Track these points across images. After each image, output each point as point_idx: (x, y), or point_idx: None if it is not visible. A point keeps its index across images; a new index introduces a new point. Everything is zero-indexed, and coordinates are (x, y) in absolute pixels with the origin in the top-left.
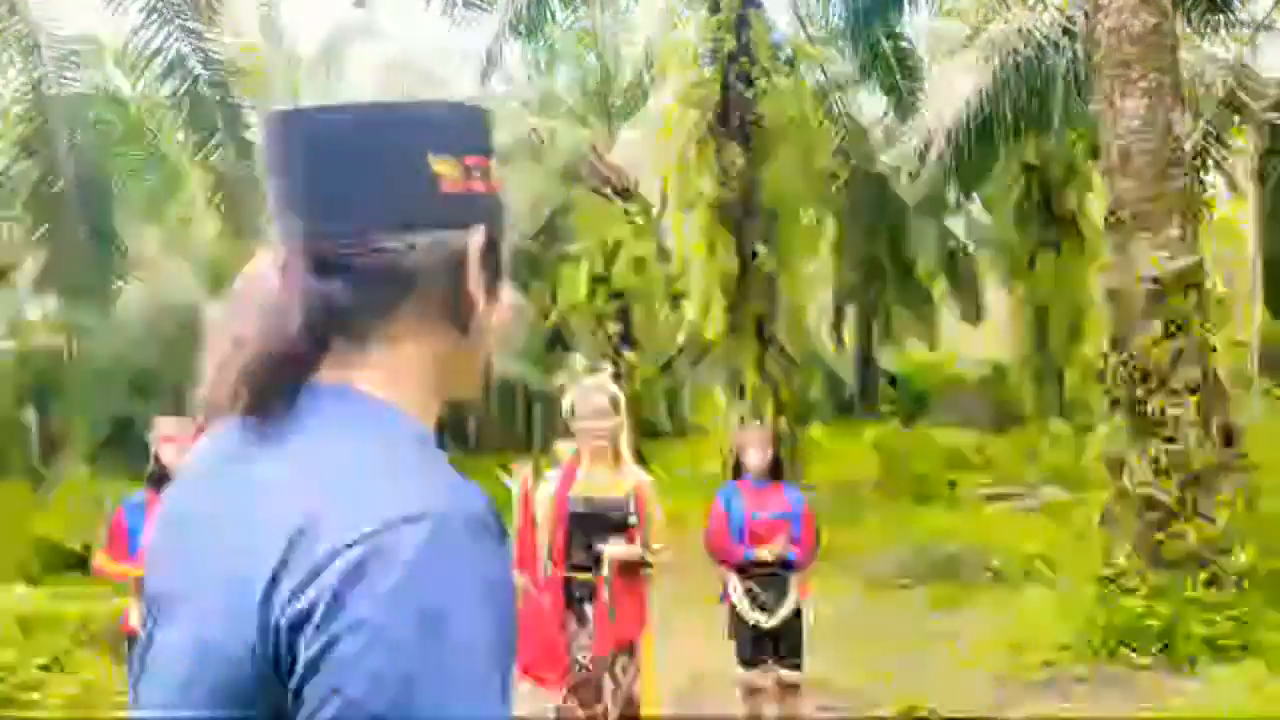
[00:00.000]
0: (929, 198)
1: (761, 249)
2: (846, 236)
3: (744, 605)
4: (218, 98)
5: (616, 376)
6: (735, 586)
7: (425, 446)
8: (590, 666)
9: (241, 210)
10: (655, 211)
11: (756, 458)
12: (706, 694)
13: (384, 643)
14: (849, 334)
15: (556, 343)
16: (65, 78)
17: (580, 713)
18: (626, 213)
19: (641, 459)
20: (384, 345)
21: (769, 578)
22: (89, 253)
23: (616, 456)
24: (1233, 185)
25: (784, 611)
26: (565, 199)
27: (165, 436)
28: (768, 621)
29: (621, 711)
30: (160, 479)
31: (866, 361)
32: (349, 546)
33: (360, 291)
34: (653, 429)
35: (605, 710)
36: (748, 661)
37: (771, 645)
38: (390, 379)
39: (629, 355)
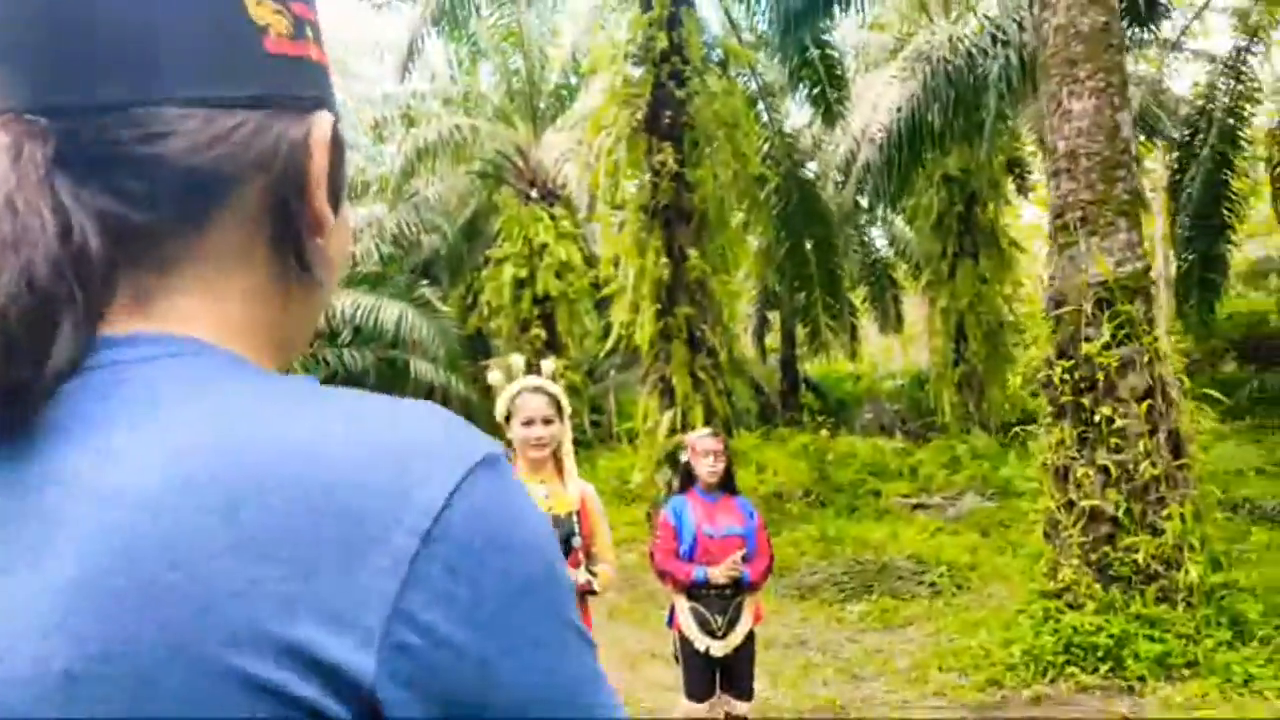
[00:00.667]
0: (853, 207)
1: (693, 253)
2: (774, 243)
3: (693, 631)
4: None
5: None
6: (684, 609)
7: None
8: None
9: None
10: (581, 214)
11: (709, 468)
12: None
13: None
14: (771, 341)
15: (478, 348)
16: None
17: None
18: (551, 216)
19: None
20: (190, 289)
21: (721, 600)
22: None
23: (559, 467)
24: (1143, 203)
25: (736, 637)
26: (488, 200)
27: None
28: (719, 649)
29: None
30: None
31: (789, 369)
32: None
33: (145, 203)
34: (580, 440)
35: None
36: (696, 694)
37: (722, 674)
38: (209, 330)
39: (554, 361)
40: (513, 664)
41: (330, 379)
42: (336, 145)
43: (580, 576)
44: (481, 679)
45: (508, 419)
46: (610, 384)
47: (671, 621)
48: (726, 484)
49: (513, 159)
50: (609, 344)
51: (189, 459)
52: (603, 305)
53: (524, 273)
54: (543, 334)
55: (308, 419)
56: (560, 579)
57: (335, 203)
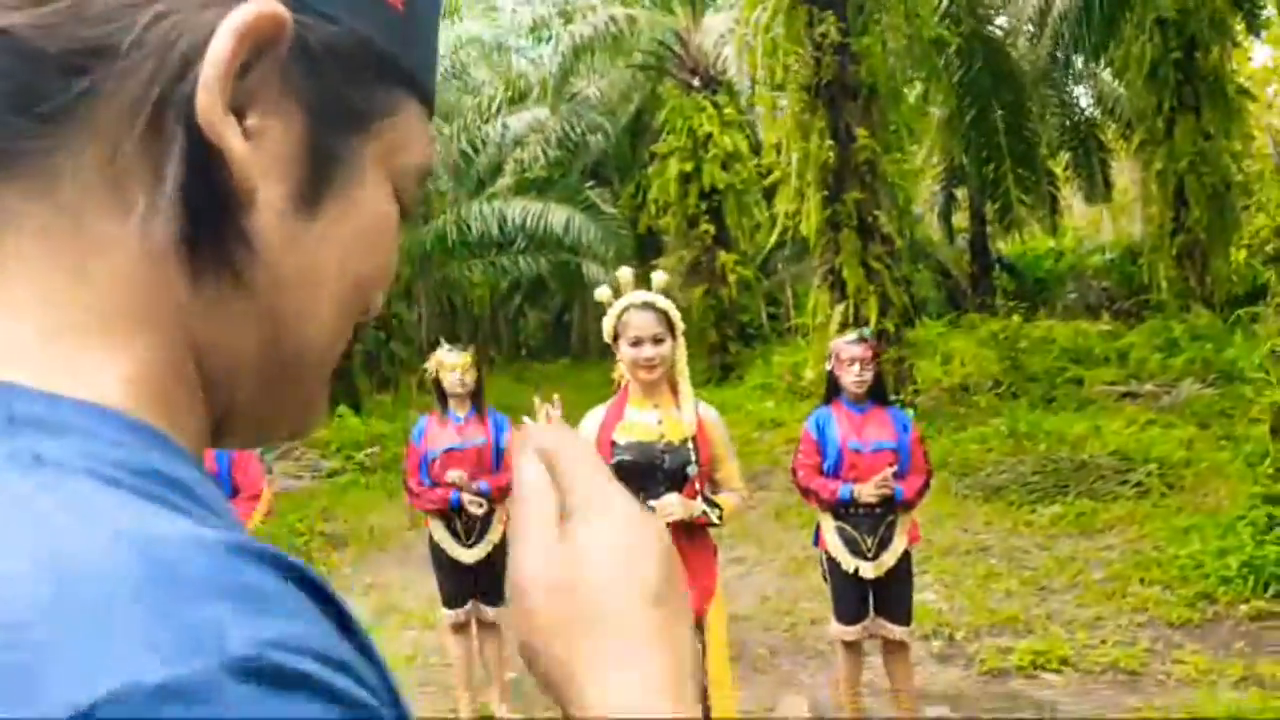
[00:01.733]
0: (1049, 64)
1: (861, 133)
2: (957, 113)
3: (840, 551)
4: None
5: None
6: (830, 529)
7: (150, 495)
8: None
9: None
10: (745, 99)
11: (854, 377)
12: (798, 650)
13: None
14: (960, 221)
15: (648, 248)
16: None
17: None
18: (715, 105)
19: (727, 371)
20: (19, 255)
21: (871, 519)
22: None
23: (673, 389)
24: None
25: (889, 559)
26: (651, 94)
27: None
28: (870, 570)
29: None
30: None
31: (980, 251)
32: None
33: None
34: (754, 335)
35: None
36: (846, 617)
37: (874, 597)
38: (52, 325)
39: (724, 256)
40: None
41: (514, 286)
42: (313, 75)
43: (695, 509)
44: None
45: (615, 338)
46: (786, 276)
47: (818, 540)
48: (876, 394)
49: (673, 47)
50: (774, 235)
51: None
52: (770, 195)
53: (689, 166)
54: (711, 228)
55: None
56: None
57: (312, 176)
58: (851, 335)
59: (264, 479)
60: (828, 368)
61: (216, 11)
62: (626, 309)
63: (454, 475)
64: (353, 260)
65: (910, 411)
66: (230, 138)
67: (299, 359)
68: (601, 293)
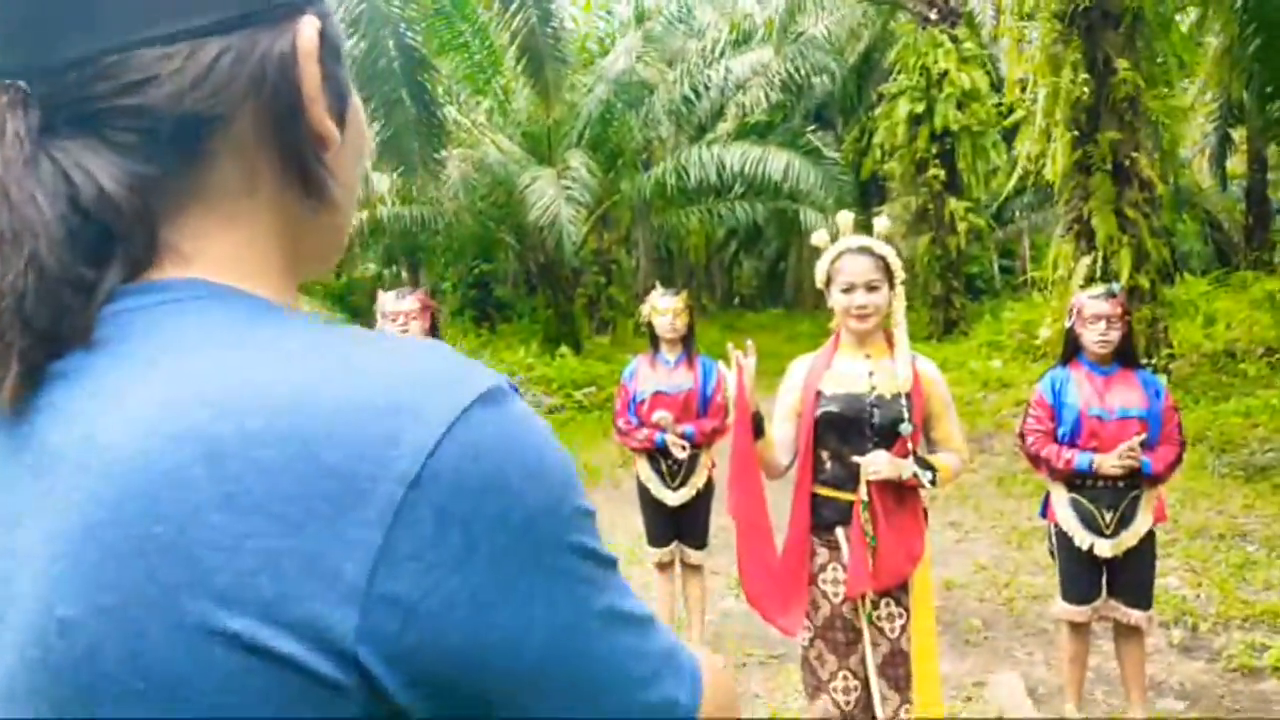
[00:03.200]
0: None
1: (1122, 64)
2: (1237, 42)
3: (1074, 526)
4: None
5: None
6: (1063, 501)
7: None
8: (840, 608)
9: (549, 76)
10: (986, 32)
11: (1098, 335)
12: (1015, 625)
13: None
14: (1235, 166)
15: (872, 194)
16: None
17: (829, 662)
18: (953, 39)
19: (951, 326)
20: (196, 229)
21: (1112, 493)
22: (415, 127)
23: (888, 341)
24: None
25: (1130, 538)
26: (882, 31)
27: (387, 313)
28: (1107, 549)
29: (883, 667)
30: None
31: (1258, 200)
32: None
33: (140, 155)
34: (982, 289)
35: (862, 664)
36: (1075, 596)
37: (1109, 577)
38: (221, 270)
39: (953, 203)
40: (508, 612)
41: (730, 234)
42: (329, 48)
43: (905, 469)
44: (473, 629)
45: (828, 284)
46: (1024, 226)
47: (1045, 512)
48: (1124, 356)
49: None
50: (1012, 180)
51: (179, 412)
52: (1010, 137)
53: (920, 107)
54: (941, 173)
55: (301, 369)
56: (575, 517)
57: (339, 111)
58: (1099, 290)
59: None
60: (1068, 324)
61: (285, 37)
62: (841, 254)
63: (660, 416)
64: (360, 141)
65: (1163, 378)
66: (331, 128)
67: (347, 221)
68: (818, 238)
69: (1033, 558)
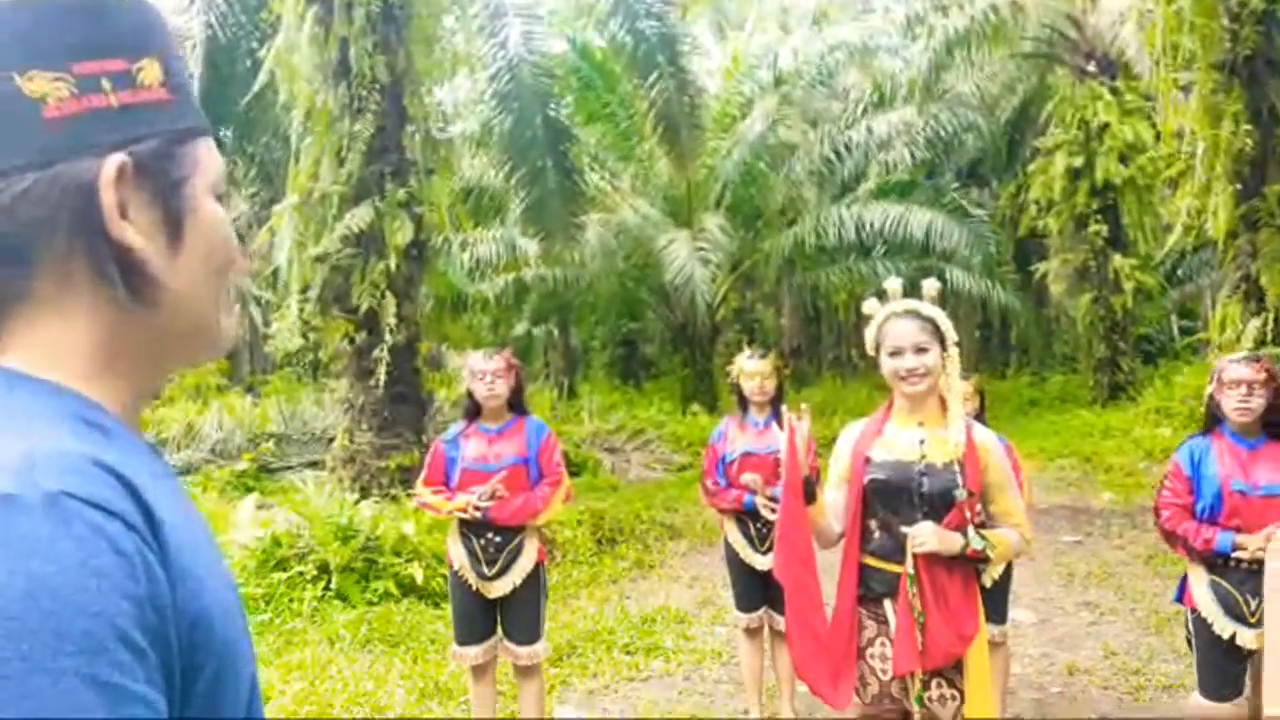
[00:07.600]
0: None
1: None
2: None
3: (1213, 611)
4: (656, 33)
5: (941, 299)
6: (1202, 583)
7: (82, 423)
8: (889, 686)
9: (685, 141)
10: (1147, 82)
11: (1237, 403)
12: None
13: None
14: None
15: (1030, 251)
16: (532, 33)
17: None
18: (1113, 90)
19: (1117, 391)
20: (21, 324)
21: (1256, 577)
22: (557, 194)
23: (941, 406)
24: None
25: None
26: (1039, 85)
27: (475, 371)
28: (1251, 640)
29: None
30: (473, 412)
31: None
32: None
33: None
34: (1154, 352)
35: None
36: (1212, 690)
37: (1253, 669)
38: (48, 361)
39: (1119, 260)
40: None
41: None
42: (148, 177)
43: (954, 543)
44: None
45: (877, 349)
46: (1205, 284)
47: (1182, 596)
48: (1272, 426)
49: (1064, 31)
50: (1172, 238)
51: None
52: (1174, 188)
53: (1079, 161)
54: (1104, 229)
55: None
56: (72, 633)
57: (171, 225)
58: (1239, 354)
59: (563, 470)
60: (1208, 390)
61: (90, 171)
62: (888, 318)
63: (749, 478)
64: (213, 256)
65: None
66: (130, 237)
67: (196, 322)
68: (869, 305)
69: (1173, 644)
